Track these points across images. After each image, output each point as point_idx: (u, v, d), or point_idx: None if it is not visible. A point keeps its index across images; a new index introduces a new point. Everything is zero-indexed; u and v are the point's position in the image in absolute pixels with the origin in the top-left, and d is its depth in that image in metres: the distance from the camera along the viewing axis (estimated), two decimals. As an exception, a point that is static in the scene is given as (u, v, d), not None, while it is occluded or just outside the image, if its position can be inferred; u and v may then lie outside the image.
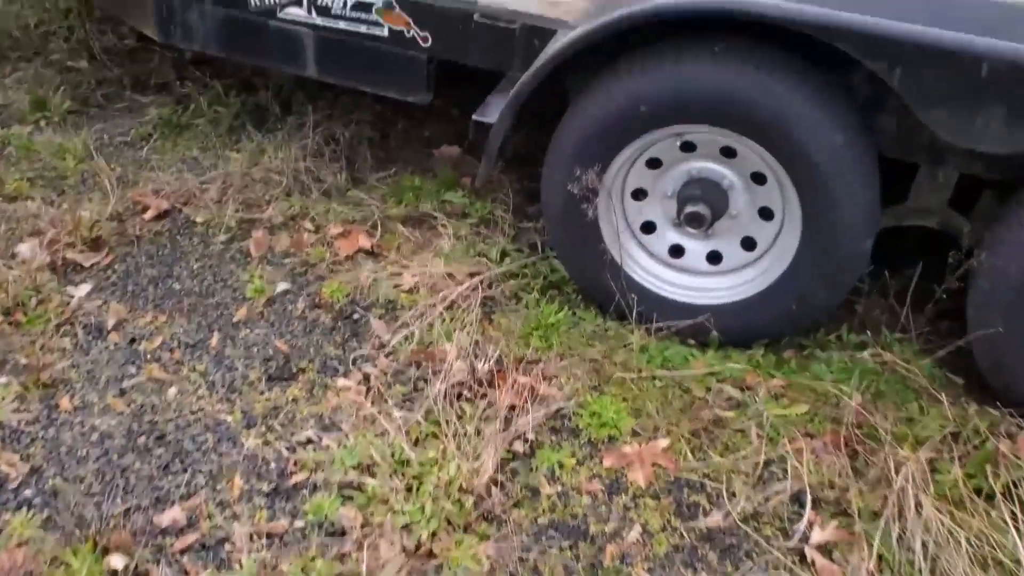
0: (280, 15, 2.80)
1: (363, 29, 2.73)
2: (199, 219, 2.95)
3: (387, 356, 2.46)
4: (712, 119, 2.21)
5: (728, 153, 2.32)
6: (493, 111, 2.49)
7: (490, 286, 2.68)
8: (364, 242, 2.87)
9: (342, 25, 2.75)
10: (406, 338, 2.49)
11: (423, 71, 2.75)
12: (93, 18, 4.01)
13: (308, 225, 2.95)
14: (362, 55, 2.78)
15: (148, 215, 2.93)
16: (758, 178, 2.33)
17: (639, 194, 2.47)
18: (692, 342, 2.48)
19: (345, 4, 2.71)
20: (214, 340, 2.52)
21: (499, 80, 2.68)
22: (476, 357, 2.40)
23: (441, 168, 3.29)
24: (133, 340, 2.52)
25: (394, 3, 2.66)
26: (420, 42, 2.69)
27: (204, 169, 3.19)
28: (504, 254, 2.82)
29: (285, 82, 3.58)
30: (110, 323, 2.55)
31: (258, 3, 2.80)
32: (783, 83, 2.13)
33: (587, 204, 2.38)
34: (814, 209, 2.22)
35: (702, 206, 2.35)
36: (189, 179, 3.09)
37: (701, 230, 2.38)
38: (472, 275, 2.69)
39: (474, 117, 2.50)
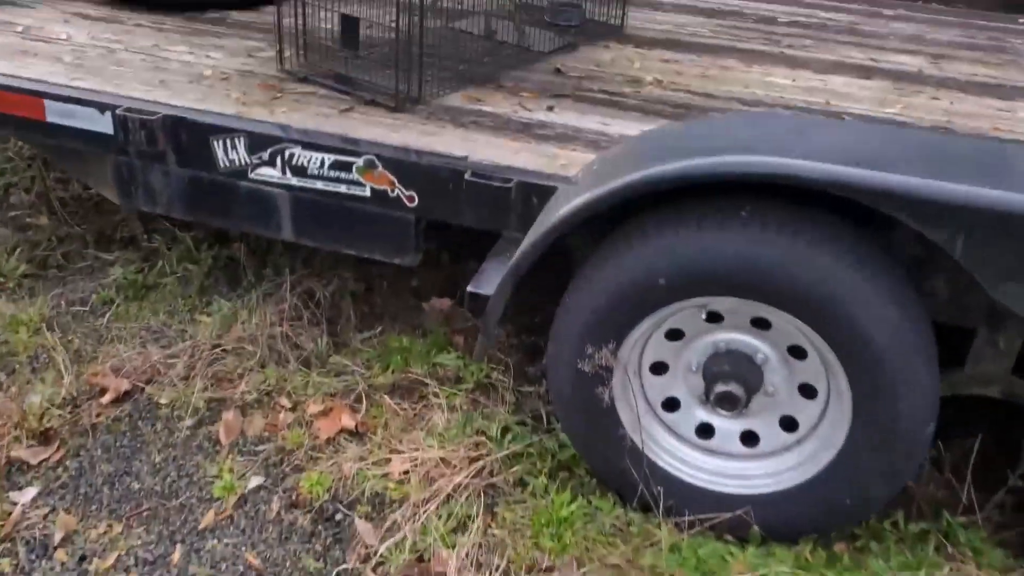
0: (252, 176, 2.55)
1: (343, 189, 2.48)
2: (163, 400, 2.63)
3: (375, 570, 2.12)
4: (742, 292, 1.94)
5: (760, 324, 2.05)
6: (489, 281, 2.22)
7: (492, 473, 2.36)
8: (347, 421, 2.55)
9: (320, 185, 2.50)
10: (397, 545, 2.16)
11: (410, 232, 2.49)
12: (56, 168, 3.77)
13: (284, 402, 2.64)
14: (342, 217, 2.52)
15: (106, 398, 2.62)
16: (797, 351, 2.05)
17: (659, 368, 2.18)
18: (730, 538, 2.15)
19: (322, 163, 2.47)
20: (176, 555, 2.17)
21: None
22: (479, 569, 2.06)
23: (431, 323, 3.01)
24: (83, 558, 2.17)
25: (376, 162, 2.42)
26: (406, 202, 2.44)
27: (171, 338, 2.89)
28: (505, 430, 2.51)
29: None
30: (57, 537, 2.22)
31: (227, 164, 2.55)
32: (825, 251, 1.87)
33: (602, 386, 2.08)
34: (866, 392, 1.93)
35: (734, 385, 2.05)
36: (153, 352, 2.79)
37: (735, 412, 2.09)
38: (471, 460, 2.38)
39: (469, 289, 2.22)
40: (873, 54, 3.40)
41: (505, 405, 2.61)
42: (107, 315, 3.02)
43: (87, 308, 3.06)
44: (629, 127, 2.64)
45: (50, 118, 2.67)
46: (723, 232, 1.91)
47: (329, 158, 2.46)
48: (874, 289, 1.87)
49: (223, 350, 2.79)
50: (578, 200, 1.98)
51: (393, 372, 2.76)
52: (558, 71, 3.08)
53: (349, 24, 2.73)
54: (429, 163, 2.39)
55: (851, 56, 3.36)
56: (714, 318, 2.08)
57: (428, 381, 2.70)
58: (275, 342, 2.82)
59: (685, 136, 2.03)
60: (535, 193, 2.30)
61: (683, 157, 1.90)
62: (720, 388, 2.06)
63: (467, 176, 2.33)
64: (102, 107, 2.59)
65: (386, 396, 2.65)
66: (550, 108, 2.77)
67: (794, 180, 1.79)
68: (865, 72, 3.20)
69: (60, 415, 2.54)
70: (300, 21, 2.85)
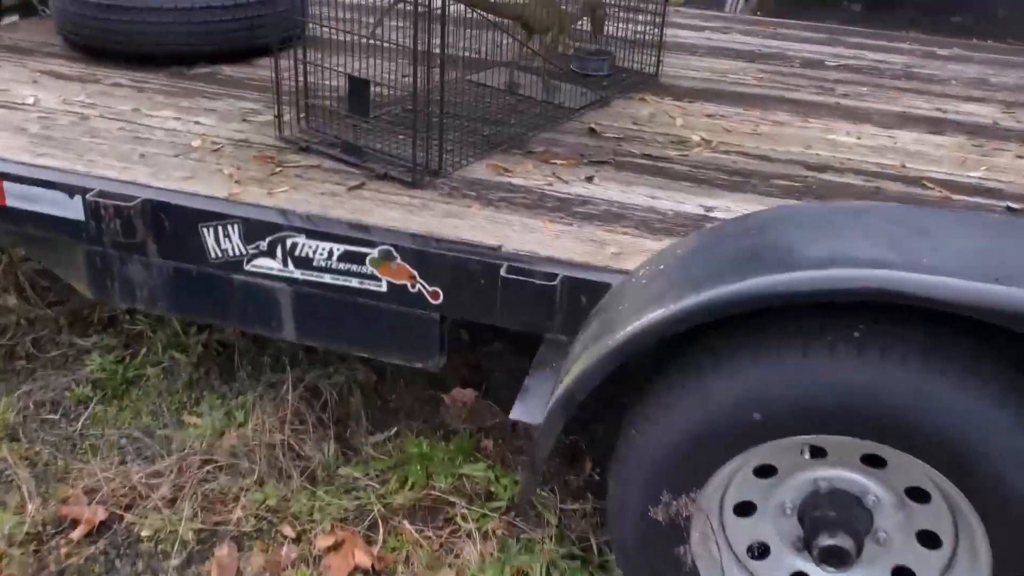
0: (248, 268, 2.18)
1: (354, 283, 2.11)
2: (145, 532, 2.23)
3: None
4: (857, 432, 1.57)
5: (873, 460, 1.68)
6: (535, 405, 1.85)
7: (540, 631, 1.98)
8: (362, 557, 2.17)
9: (327, 279, 2.13)
10: None
11: (433, 333, 2.13)
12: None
13: (288, 530, 2.25)
14: (354, 315, 2.15)
15: (77, 533, 2.22)
16: (917, 493, 1.68)
17: (745, 508, 1.80)
18: None
19: (330, 254, 2.10)
20: None
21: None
22: None
23: (454, 420, 2.64)
24: None
25: (394, 252, 2.05)
26: (429, 299, 2.07)
27: (155, 448, 2.50)
28: (551, 566, 2.13)
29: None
30: None
31: (219, 254, 2.18)
32: (961, 383, 1.50)
33: (680, 542, 1.70)
34: (1011, 552, 1.56)
35: (843, 537, 1.67)
36: (134, 469, 2.40)
37: (844, 569, 1.71)
38: (514, 613, 2.00)
39: (513, 416, 1.85)
40: (938, 103, 3.06)
41: (546, 529, 2.24)
42: (82, 419, 2.64)
43: (59, 411, 2.67)
44: (682, 200, 2.29)
45: (10, 202, 2.29)
46: (834, 359, 1.54)
47: (338, 248, 2.09)
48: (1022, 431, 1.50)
49: (216, 465, 2.41)
50: (654, 315, 1.60)
51: (412, 487, 2.38)
52: (592, 131, 2.73)
53: (358, 87, 2.37)
54: (456, 255, 2.03)
55: (915, 106, 3.01)
56: (815, 451, 1.70)
57: (454, 499, 2.32)
58: (275, 452, 2.44)
59: (780, 234, 1.66)
60: (584, 291, 1.94)
61: (783, 266, 1.53)
62: (826, 541, 1.67)
63: (503, 272, 1.96)
64: (71, 190, 2.22)
65: (406, 521, 2.27)
66: (589, 179, 2.41)
67: (936, 304, 1.42)
68: (935, 125, 2.85)
69: (22, 556, 2.15)
70: (300, 80, 2.50)
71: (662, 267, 1.79)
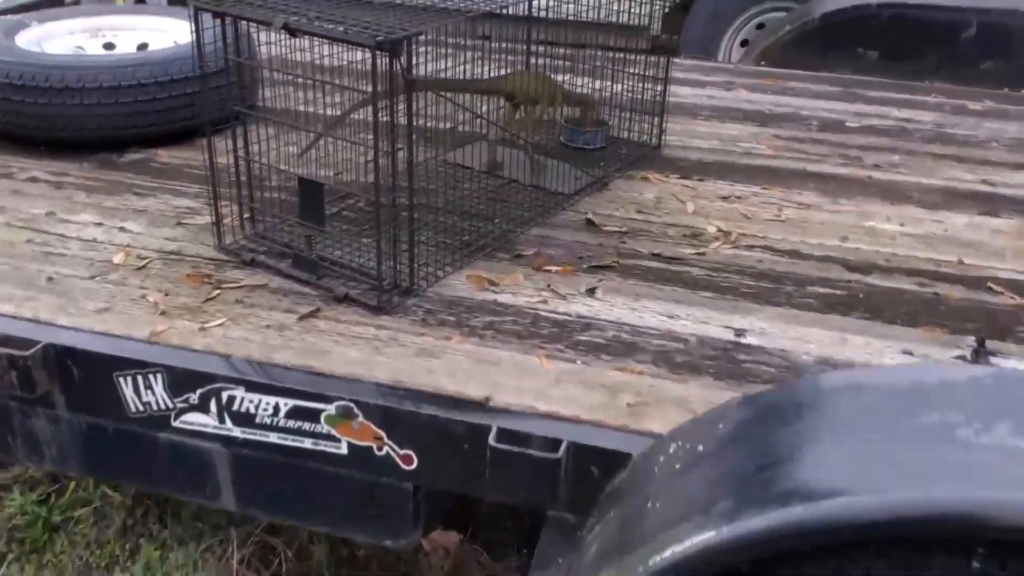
0: (176, 424, 1.76)
1: (307, 444, 1.70)
2: None
3: None
4: None
5: None
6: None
7: None
8: None
9: (273, 439, 1.71)
10: None
11: (406, 506, 1.72)
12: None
13: None
14: (307, 483, 1.74)
15: None
16: None
17: None
18: None
19: (276, 410, 1.69)
20: None
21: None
22: None
23: (434, 573, 2.22)
24: None
25: (355, 409, 1.65)
26: (401, 464, 1.66)
27: (75, 627, 2.09)
28: None
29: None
30: None
31: (140, 408, 1.76)
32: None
33: None
34: None
35: None
36: (47, 662, 1.98)
37: None
38: None
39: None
40: (982, 172, 2.68)
41: None
42: (-8, 583, 2.21)
43: (-37, 576, 2.25)
44: (704, 320, 1.90)
45: None
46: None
47: (285, 403, 1.68)
48: None
49: (146, 655, 1.99)
50: (701, 540, 1.17)
51: (389, 672, 1.97)
52: (591, 223, 2.33)
53: (310, 191, 1.97)
54: (432, 413, 1.62)
55: (958, 178, 2.64)
56: None
57: None
58: (221, 631, 2.03)
59: (861, 419, 1.27)
60: (597, 461, 1.54)
61: (873, 486, 1.14)
62: None
63: (492, 440, 1.55)
64: (-46, 333, 1.80)
65: None
66: (591, 291, 2.01)
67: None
68: (985, 204, 2.47)
69: None
70: (242, 176, 2.10)
71: (700, 448, 1.38)
